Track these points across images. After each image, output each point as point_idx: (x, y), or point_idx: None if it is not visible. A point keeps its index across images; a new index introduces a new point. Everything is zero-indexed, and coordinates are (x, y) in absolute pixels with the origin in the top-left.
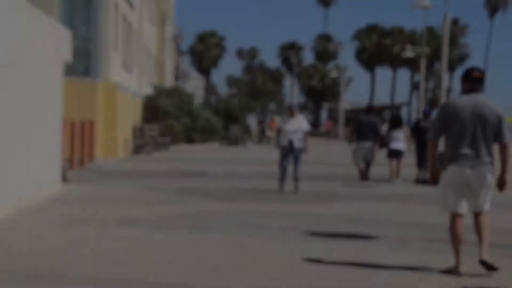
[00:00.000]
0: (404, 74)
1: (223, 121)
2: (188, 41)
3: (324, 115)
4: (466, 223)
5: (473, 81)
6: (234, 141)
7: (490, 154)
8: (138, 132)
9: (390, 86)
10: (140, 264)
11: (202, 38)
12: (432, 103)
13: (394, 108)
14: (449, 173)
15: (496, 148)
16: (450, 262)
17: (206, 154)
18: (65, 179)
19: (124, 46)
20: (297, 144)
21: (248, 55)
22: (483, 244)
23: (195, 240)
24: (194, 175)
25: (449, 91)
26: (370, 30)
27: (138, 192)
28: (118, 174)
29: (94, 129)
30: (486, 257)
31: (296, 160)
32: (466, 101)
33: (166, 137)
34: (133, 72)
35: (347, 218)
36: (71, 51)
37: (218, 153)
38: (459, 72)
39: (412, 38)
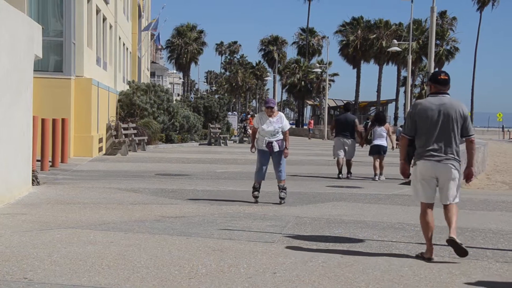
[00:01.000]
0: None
1: (203, 119)
2: (165, 35)
3: (308, 113)
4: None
5: (440, 83)
6: (214, 141)
7: (456, 149)
8: (113, 131)
9: (376, 81)
10: (114, 270)
11: (181, 32)
12: (419, 99)
13: (381, 104)
14: (419, 167)
15: (464, 143)
16: (439, 265)
17: (184, 154)
18: (35, 180)
19: (98, 41)
20: (278, 147)
21: (228, 50)
22: (452, 226)
23: (173, 244)
24: (172, 176)
25: None
26: (355, 23)
27: (113, 194)
28: (92, 175)
29: (67, 128)
30: (454, 236)
31: (278, 165)
32: (433, 102)
33: (143, 136)
34: (107, 68)
35: (332, 220)
36: (42, 45)
37: (197, 154)
38: (447, 66)
39: (398, 32)
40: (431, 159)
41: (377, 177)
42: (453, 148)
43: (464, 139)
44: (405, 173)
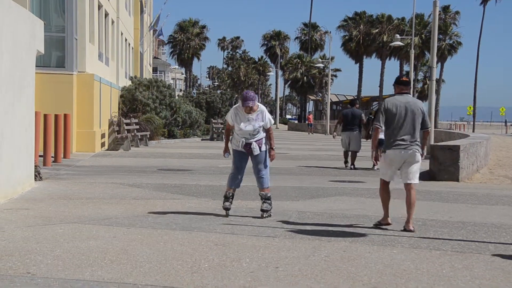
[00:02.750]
0: (393, 64)
1: (206, 115)
2: (168, 31)
3: (311, 108)
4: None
5: (403, 84)
6: (216, 136)
7: (417, 138)
8: (116, 126)
9: (379, 76)
10: (117, 264)
11: (183, 27)
12: (420, 94)
13: (383, 99)
14: (388, 155)
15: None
16: (441, 259)
17: (187, 150)
18: (38, 176)
19: (100, 36)
20: (258, 149)
21: (231, 45)
22: (409, 217)
23: (175, 239)
24: (174, 171)
25: (438, 82)
26: (357, 18)
27: (116, 189)
28: (95, 170)
29: (69, 123)
30: (411, 227)
31: (259, 169)
32: (401, 100)
33: (145, 131)
34: (110, 63)
35: (334, 214)
36: (44, 41)
37: (200, 149)
38: (450, 61)
39: (401, 27)
40: (399, 147)
41: (375, 167)
42: (416, 137)
43: (422, 131)
44: (378, 159)
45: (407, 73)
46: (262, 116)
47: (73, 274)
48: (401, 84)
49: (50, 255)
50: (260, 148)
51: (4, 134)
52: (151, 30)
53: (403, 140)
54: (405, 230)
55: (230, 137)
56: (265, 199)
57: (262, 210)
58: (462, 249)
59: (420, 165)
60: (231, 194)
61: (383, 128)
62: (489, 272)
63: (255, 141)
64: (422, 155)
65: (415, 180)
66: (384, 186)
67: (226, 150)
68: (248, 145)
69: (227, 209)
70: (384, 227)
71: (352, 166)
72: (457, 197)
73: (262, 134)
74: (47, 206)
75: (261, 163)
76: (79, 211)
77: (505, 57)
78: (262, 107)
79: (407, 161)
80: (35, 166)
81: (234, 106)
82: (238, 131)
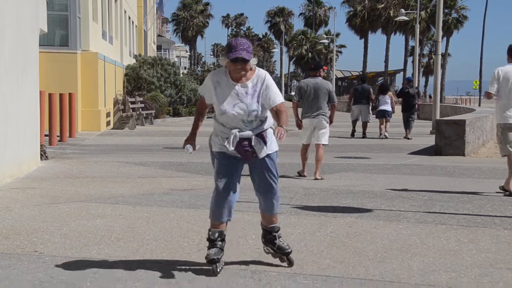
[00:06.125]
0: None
1: None
2: (171, 8)
3: None
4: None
5: (311, 70)
6: None
7: (326, 110)
8: (121, 105)
9: (384, 52)
10: (123, 242)
11: (186, 5)
12: (425, 69)
13: (388, 75)
14: (304, 123)
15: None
16: (447, 233)
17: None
18: (44, 155)
19: (103, 14)
20: (263, 147)
21: (235, 22)
22: (317, 169)
23: (181, 217)
24: (179, 150)
25: (444, 56)
26: None
27: (121, 168)
28: (100, 149)
29: (74, 102)
30: (317, 176)
31: (268, 185)
32: (310, 81)
33: (150, 109)
34: (113, 41)
35: (340, 190)
36: (47, 20)
37: (205, 127)
38: (456, 35)
39: (406, 1)
40: (311, 116)
41: (382, 135)
42: (324, 109)
43: (330, 104)
44: (300, 125)
45: (316, 59)
46: (265, 86)
47: (80, 252)
48: (310, 70)
49: (57, 233)
50: (263, 144)
51: (9, 113)
52: (155, 7)
53: (313, 111)
54: (316, 179)
55: (201, 122)
56: (275, 232)
57: (283, 253)
58: (468, 223)
59: (327, 130)
60: (219, 234)
61: (298, 102)
62: (495, 245)
63: (256, 136)
64: (328, 122)
65: (323, 141)
66: (304, 148)
67: (190, 140)
68: (244, 144)
69: (213, 262)
70: (304, 178)
71: (363, 135)
72: (463, 172)
73: (269, 121)
74: (53, 185)
75: (269, 171)
76: (85, 189)
77: (510, 30)
78: (262, 72)
79: (316, 127)
80: (41, 145)
81: (213, 71)
82: (220, 116)
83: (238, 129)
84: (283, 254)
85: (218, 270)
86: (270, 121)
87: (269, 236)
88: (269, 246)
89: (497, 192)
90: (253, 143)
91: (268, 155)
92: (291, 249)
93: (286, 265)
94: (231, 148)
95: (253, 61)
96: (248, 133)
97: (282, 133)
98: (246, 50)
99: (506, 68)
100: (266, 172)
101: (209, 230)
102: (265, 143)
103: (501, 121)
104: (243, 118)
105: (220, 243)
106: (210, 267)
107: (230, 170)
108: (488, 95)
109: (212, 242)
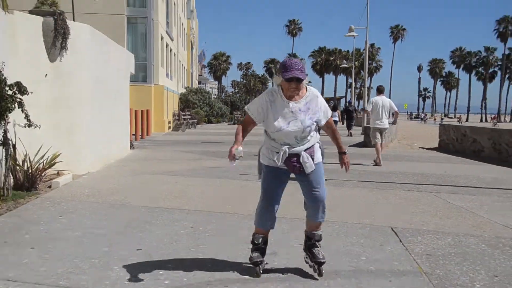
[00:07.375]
0: (342, 78)
1: (230, 109)
2: (207, 58)
3: None
4: None
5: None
6: (236, 122)
7: None
8: (177, 116)
9: (333, 86)
10: (179, 199)
11: (216, 56)
12: (358, 96)
13: (336, 99)
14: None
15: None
16: (370, 193)
17: (219, 130)
18: (132, 146)
19: (167, 62)
20: (311, 161)
21: (245, 67)
22: None
23: (213, 183)
24: (212, 143)
25: (369, 88)
26: (321, 50)
27: (177, 154)
28: (164, 143)
29: (150, 115)
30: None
31: (316, 197)
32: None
33: (194, 119)
34: (173, 79)
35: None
36: (134, 66)
37: (227, 129)
38: (376, 76)
39: (346, 56)
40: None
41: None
42: None
43: None
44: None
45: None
46: (317, 103)
47: (152, 203)
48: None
49: (139, 191)
50: (313, 159)
51: (116, 121)
52: (198, 60)
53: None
54: None
55: (242, 138)
56: (316, 240)
57: (317, 262)
58: (382, 187)
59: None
60: (263, 240)
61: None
62: (397, 200)
63: (305, 151)
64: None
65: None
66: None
67: (232, 155)
68: (292, 160)
69: (256, 263)
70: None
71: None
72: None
73: (316, 137)
74: (137, 164)
75: (318, 182)
76: (155, 167)
77: (411, 73)
78: (314, 90)
79: None
80: (130, 140)
81: (266, 90)
82: (275, 132)
83: (288, 145)
84: (316, 263)
85: (261, 271)
86: (317, 137)
87: (309, 243)
88: (308, 254)
89: (372, 164)
90: (301, 160)
91: (314, 169)
92: (325, 260)
93: (317, 275)
94: (280, 163)
95: (306, 80)
96: (297, 149)
97: (347, 162)
98: (300, 70)
99: (376, 98)
100: (312, 185)
101: (254, 234)
102: (313, 159)
103: (373, 126)
104: (297, 134)
105: (263, 246)
106: (255, 270)
107: (275, 183)
108: (365, 111)
109: (255, 246)
